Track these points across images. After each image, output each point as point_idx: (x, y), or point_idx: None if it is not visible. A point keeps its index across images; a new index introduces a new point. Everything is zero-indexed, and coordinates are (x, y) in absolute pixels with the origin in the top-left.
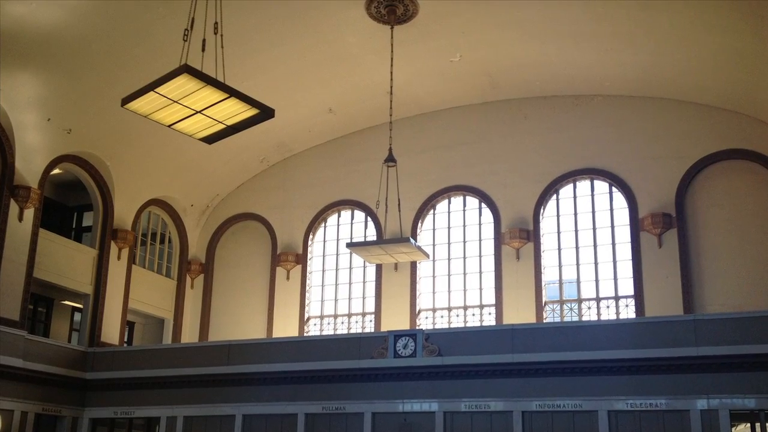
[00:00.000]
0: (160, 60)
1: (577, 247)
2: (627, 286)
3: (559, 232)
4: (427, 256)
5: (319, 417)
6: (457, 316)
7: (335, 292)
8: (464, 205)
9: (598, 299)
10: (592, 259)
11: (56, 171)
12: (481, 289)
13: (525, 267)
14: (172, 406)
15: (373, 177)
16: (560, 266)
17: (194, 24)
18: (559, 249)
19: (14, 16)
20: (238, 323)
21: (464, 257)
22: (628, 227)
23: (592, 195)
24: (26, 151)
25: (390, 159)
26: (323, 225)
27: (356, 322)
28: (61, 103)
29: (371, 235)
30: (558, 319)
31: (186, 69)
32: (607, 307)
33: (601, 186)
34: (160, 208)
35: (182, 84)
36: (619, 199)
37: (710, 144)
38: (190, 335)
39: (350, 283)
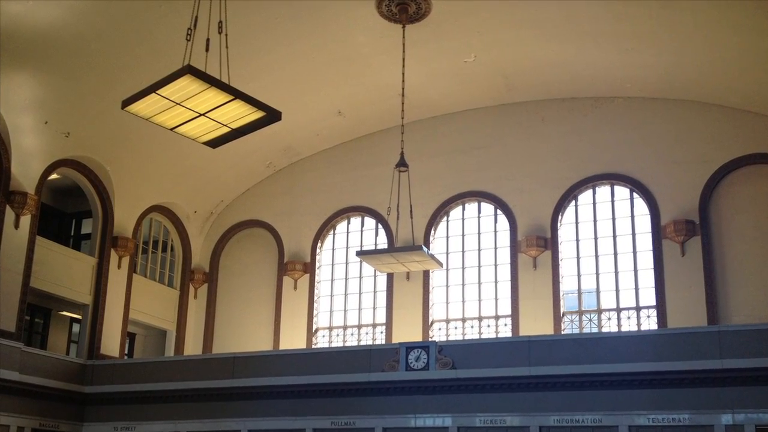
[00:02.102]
0: (162, 60)
1: (596, 256)
2: (649, 296)
3: (577, 240)
4: (441, 264)
5: None
6: (472, 327)
7: (344, 302)
8: (479, 212)
9: (618, 310)
10: (612, 268)
11: (54, 176)
12: (496, 299)
13: (542, 276)
14: (175, 421)
15: (384, 182)
16: (579, 275)
17: (198, 23)
18: (578, 257)
19: (10, 15)
20: (244, 335)
21: (479, 266)
22: (650, 235)
23: (612, 201)
24: (23, 155)
25: (402, 163)
26: (332, 232)
27: (366, 333)
28: (59, 106)
29: (382, 242)
30: (577, 331)
31: (189, 70)
32: (628, 318)
33: (622, 192)
34: (162, 215)
35: (185, 85)
36: (641, 205)
37: (735, 148)
38: (193, 347)
39: (360, 293)
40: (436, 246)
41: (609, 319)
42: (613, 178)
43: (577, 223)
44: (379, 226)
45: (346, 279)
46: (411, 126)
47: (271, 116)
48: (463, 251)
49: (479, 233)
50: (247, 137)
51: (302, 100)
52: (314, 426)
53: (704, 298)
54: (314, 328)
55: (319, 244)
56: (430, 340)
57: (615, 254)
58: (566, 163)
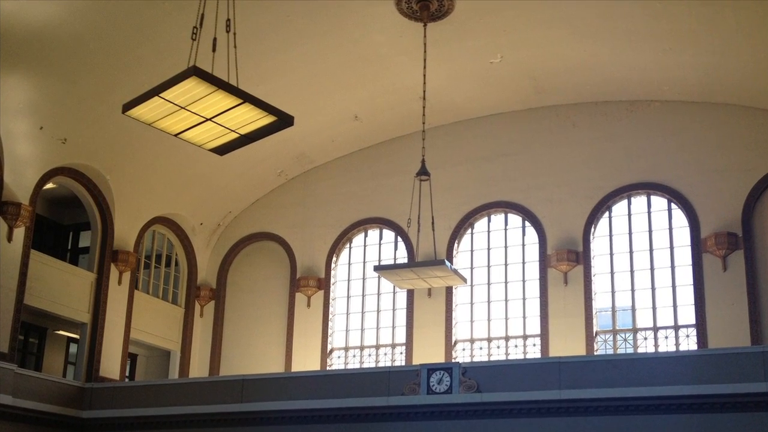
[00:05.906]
0: (165, 61)
1: (632, 271)
2: (688, 315)
3: (611, 254)
4: (465, 280)
5: None
6: (498, 347)
7: (361, 320)
8: (506, 224)
9: (655, 329)
10: (648, 284)
11: (50, 185)
12: (524, 317)
13: (574, 293)
14: None
15: (403, 192)
16: (613, 292)
17: (204, 21)
18: (612, 273)
19: (4, 13)
20: (253, 356)
21: (506, 282)
22: (689, 248)
23: (649, 212)
24: (16, 163)
25: (423, 172)
26: (348, 246)
27: (385, 354)
28: (55, 110)
29: (402, 257)
30: (611, 351)
31: (194, 71)
32: (666, 337)
33: (659, 202)
34: (165, 227)
35: (190, 88)
36: (679, 217)
37: None
38: (199, 369)
39: (378, 311)
40: (460, 260)
41: (645, 338)
42: (649, 188)
43: (611, 235)
44: (399, 239)
45: (363, 296)
46: (433, 132)
47: (283, 121)
48: (488, 266)
49: (506, 247)
50: (256, 144)
51: (316, 103)
52: None
53: (747, 317)
54: (329, 349)
55: (334, 259)
56: (453, 361)
57: (652, 269)
58: (599, 172)
